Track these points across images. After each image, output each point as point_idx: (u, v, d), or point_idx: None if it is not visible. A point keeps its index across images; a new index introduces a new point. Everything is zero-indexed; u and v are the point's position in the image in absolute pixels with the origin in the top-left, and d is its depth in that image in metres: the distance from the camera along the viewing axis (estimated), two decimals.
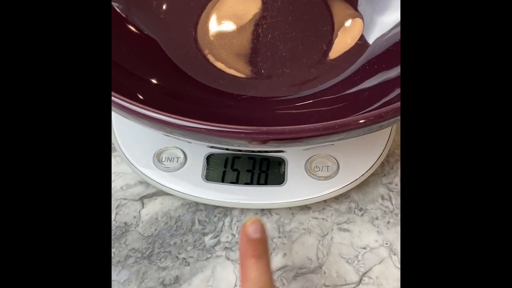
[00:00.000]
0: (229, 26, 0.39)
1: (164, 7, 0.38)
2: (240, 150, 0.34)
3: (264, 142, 0.23)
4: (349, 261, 0.33)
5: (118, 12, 0.35)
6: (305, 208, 0.35)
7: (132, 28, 0.36)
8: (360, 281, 0.32)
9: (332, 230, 0.34)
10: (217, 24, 0.39)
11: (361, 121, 0.23)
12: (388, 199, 0.35)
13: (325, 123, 0.22)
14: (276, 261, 0.32)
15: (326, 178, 0.34)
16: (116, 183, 0.36)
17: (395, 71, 0.32)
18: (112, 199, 0.35)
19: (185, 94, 0.34)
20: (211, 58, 0.37)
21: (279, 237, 0.34)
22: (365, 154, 0.35)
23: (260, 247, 0.28)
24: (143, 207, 0.35)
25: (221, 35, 0.38)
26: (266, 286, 0.26)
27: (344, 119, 0.22)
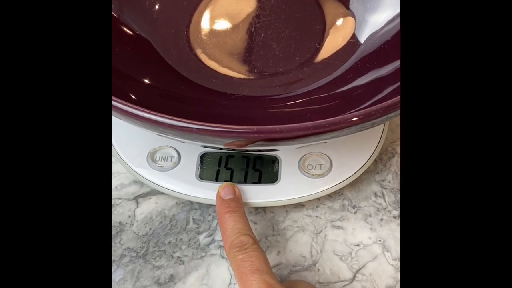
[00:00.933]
0: (222, 25, 0.39)
1: (156, 6, 0.38)
2: (233, 149, 0.34)
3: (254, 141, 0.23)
4: (343, 258, 0.33)
5: (111, 12, 0.35)
6: (298, 206, 0.35)
7: (125, 28, 0.36)
8: (353, 278, 0.32)
9: (325, 227, 0.34)
10: (210, 23, 0.39)
11: (352, 120, 0.23)
12: (381, 196, 0.36)
13: (316, 121, 0.22)
14: (270, 258, 0.33)
15: (320, 176, 0.34)
16: (111, 182, 0.36)
17: (387, 69, 0.32)
18: None
19: (179, 93, 0.34)
20: (204, 58, 0.37)
21: (273, 235, 0.34)
22: (358, 152, 0.35)
23: (233, 204, 0.30)
24: (137, 206, 0.35)
25: (214, 34, 0.38)
26: (242, 231, 0.28)
27: (335, 118, 0.22)
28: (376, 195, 0.36)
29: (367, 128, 0.26)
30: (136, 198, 0.36)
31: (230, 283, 0.32)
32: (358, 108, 0.29)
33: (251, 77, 0.36)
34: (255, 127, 0.22)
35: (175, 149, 0.35)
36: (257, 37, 0.38)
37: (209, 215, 0.35)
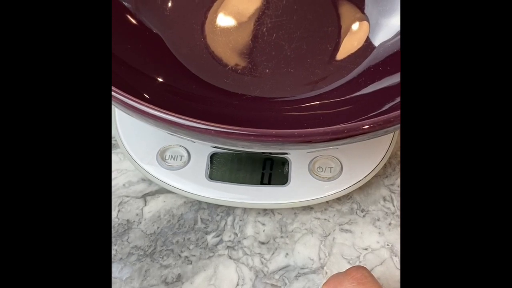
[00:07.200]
0: (234, 24, 0.38)
1: (169, 4, 0.38)
2: (244, 150, 0.34)
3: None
4: (351, 261, 0.33)
5: (124, 9, 0.35)
6: (307, 208, 0.35)
7: (137, 25, 0.35)
8: None
9: (334, 230, 0.34)
10: (222, 23, 0.38)
11: (366, 127, 0.23)
12: (389, 201, 0.36)
13: (334, 127, 0.22)
14: (278, 261, 0.33)
15: (329, 179, 0.34)
16: (119, 180, 0.36)
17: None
18: (115, 196, 0.35)
19: (190, 92, 0.34)
20: (215, 57, 0.37)
21: (281, 237, 0.34)
22: (368, 156, 0.35)
23: None
24: (145, 204, 0.35)
25: (226, 33, 0.38)
26: None
27: (353, 124, 0.22)
28: (384, 199, 0.36)
29: (381, 135, 0.26)
30: (144, 196, 0.36)
31: (237, 284, 0.32)
32: (371, 114, 0.29)
33: (263, 78, 0.36)
34: (273, 131, 0.22)
35: (185, 148, 0.34)
36: (268, 37, 0.38)
37: (217, 215, 0.35)
